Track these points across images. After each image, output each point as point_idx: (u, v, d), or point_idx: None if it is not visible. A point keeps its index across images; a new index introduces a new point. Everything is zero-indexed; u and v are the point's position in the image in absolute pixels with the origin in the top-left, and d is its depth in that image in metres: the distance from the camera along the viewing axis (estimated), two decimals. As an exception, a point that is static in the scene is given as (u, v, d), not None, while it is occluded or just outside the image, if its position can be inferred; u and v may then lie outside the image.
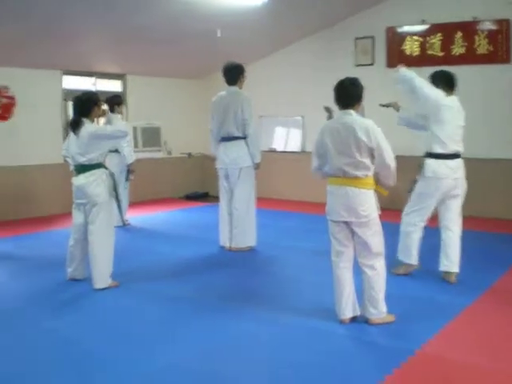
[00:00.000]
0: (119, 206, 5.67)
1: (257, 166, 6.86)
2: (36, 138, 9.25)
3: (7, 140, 8.86)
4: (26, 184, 9.25)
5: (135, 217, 8.97)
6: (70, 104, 9.06)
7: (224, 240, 6.93)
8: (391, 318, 4.41)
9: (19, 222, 8.91)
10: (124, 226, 8.14)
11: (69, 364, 3.78)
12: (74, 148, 5.36)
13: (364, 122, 4.20)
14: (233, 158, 6.78)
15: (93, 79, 10.20)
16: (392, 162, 4.23)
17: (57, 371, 3.68)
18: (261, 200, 7.57)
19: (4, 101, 8.93)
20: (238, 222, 6.82)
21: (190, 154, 11.65)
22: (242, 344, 4.10)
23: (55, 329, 4.41)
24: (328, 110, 6.20)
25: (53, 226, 8.46)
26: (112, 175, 5.52)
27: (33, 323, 4.55)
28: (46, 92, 9.45)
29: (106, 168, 5.49)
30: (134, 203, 9.57)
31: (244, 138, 6.74)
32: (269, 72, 10.77)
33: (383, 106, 5.92)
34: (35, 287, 5.50)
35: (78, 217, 5.50)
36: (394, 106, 5.86)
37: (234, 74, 6.78)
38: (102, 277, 5.34)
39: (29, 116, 9.15)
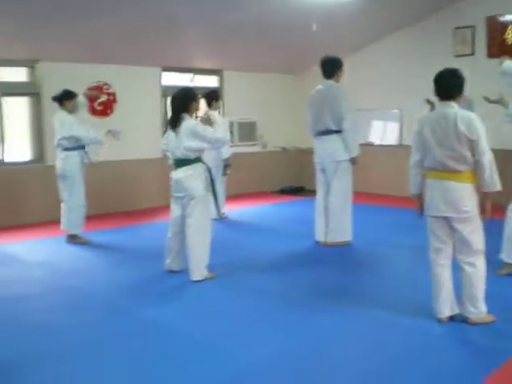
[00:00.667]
0: (216, 200, 5.76)
1: (354, 161, 6.76)
2: (136, 134, 9.52)
3: (108, 135, 9.17)
4: (127, 178, 9.57)
5: (232, 210, 9.09)
6: (169, 100, 9.29)
7: (319, 235, 6.89)
8: (491, 318, 4.25)
9: (121, 214, 9.25)
10: (220, 219, 8.25)
11: (166, 353, 3.87)
12: (174, 143, 5.49)
13: (466, 114, 4.05)
14: (329, 152, 6.72)
15: (190, 75, 10.41)
16: (487, 159, 4.03)
17: (152, 360, 3.78)
18: (357, 194, 7.47)
19: (105, 97, 9.27)
20: (334, 217, 6.76)
21: (284, 149, 11.68)
22: (336, 340, 4.07)
23: (153, 318, 4.53)
24: (430, 102, 6.03)
25: (153, 219, 8.72)
26: (209, 170, 5.62)
27: (132, 312, 4.71)
28: (145, 88, 9.74)
29: (203, 163, 5.59)
30: (231, 197, 9.68)
31: (341, 131, 6.67)
32: (365, 65, 10.61)
33: (491, 101, 5.61)
34: (135, 277, 5.69)
35: (175, 210, 5.63)
36: (502, 102, 5.58)
37: (331, 68, 6.72)
38: (199, 269, 5.45)
39: (129, 112, 9.45)
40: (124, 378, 3.53)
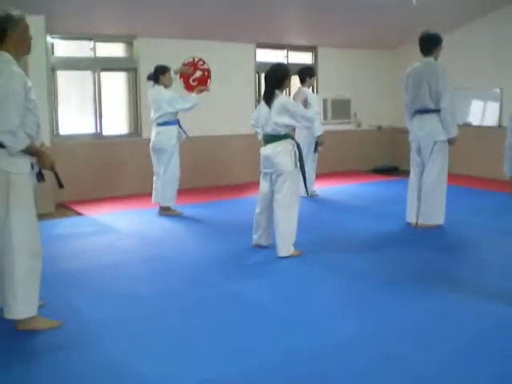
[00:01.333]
0: (304, 177, 5.73)
1: (452, 141, 6.52)
2: (229, 110, 9.61)
3: (202, 111, 9.26)
4: (220, 153, 9.69)
5: (322, 188, 9.02)
6: (263, 76, 9.31)
7: (411, 216, 6.71)
8: None
9: (212, 188, 9.39)
10: (309, 196, 8.20)
11: (248, 326, 3.91)
12: (265, 118, 5.49)
13: None
14: (427, 132, 6.50)
15: (285, 51, 10.36)
16: None
17: (233, 332, 3.82)
18: (452, 176, 7.22)
19: (200, 73, 9.38)
20: (426, 198, 6.56)
21: (379, 127, 11.47)
22: (422, 322, 3.95)
23: (237, 291, 4.58)
24: None
25: (243, 194, 8.80)
26: (298, 146, 5.58)
27: (217, 284, 4.78)
28: (239, 65, 9.78)
29: (293, 139, 5.56)
30: (322, 175, 9.62)
31: (439, 111, 6.45)
32: (465, 42, 10.16)
33: None
34: (222, 250, 5.77)
35: (264, 186, 5.64)
36: None
37: (429, 44, 6.49)
38: (286, 245, 5.44)
39: (223, 88, 9.51)
40: (202, 347, 3.59)
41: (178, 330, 3.88)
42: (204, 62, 9.43)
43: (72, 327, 3.91)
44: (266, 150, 5.51)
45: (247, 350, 3.54)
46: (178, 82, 8.36)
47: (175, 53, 8.85)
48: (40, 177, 3.95)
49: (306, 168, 7.42)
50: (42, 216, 7.14)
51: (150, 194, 7.64)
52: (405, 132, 6.86)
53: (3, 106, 3.55)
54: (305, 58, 10.70)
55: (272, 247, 5.60)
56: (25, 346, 3.65)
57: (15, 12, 3.76)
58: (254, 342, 3.65)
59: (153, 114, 7.32)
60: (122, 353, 3.55)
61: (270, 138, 5.49)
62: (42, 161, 3.84)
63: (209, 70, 9.48)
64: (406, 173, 7.01)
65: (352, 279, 4.86)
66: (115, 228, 6.83)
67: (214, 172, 9.68)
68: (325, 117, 10.55)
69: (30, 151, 3.75)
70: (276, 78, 5.49)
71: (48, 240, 6.05)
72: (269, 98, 5.47)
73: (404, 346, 3.60)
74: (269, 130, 5.47)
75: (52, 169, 3.94)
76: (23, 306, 3.73)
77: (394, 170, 11.28)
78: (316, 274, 5.04)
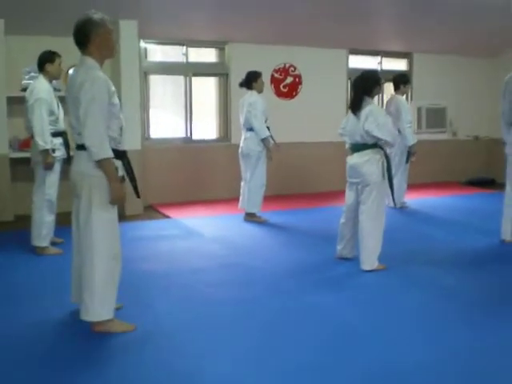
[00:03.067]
0: (391, 188, 5.54)
1: (550, 156, 6.16)
2: (319, 116, 9.48)
3: (292, 117, 9.22)
4: (308, 161, 9.59)
5: (413, 199, 8.74)
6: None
7: (505, 233, 6.35)
8: None
9: (299, 196, 9.32)
10: (398, 207, 7.95)
11: (321, 339, 3.80)
12: (353, 126, 5.36)
13: None
14: (525, 144, 6.18)
15: (378, 58, 10.15)
16: None
17: (311, 344, 3.72)
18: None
19: (291, 79, 9.33)
20: (523, 214, 6.22)
21: (476, 137, 11.04)
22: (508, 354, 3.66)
23: (316, 303, 4.46)
24: None
25: (330, 203, 8.63)
26: (387, 156, 5.39)
27: (294, 294, 4.69)
28: (331, 71, 9.67)
29: (381, 148, 5.37)
30: (414, 185, 9.33)
31: (540, 121, 6.10)
32: None
33: None
34: (305, 260, 5.67)
35: (350, 195, 5.49)
36: None
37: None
38: (370, 258, 5.26)
39: (313, 94, 9.42)
40: (275, 358, 3.51)
41: (251, 338, 3.82)
42: (295, 68, 9.37)
43: (148, 329, 3.92)
44: (353, 159, 5.37)
45: (319, 365, 3.43)
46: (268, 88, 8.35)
47: (266, 58, 8.85)
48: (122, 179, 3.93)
49: (397, 178, 7.27)
50: (130, 217, 7.37)
51: (237, 200, 7.65)
52: (503, 143, 6.52)
53: (89, 111, 3.58)
54: (399, 65, 10.45)
55: (356, 259, 5.43)
56: (99, 347, 3.68)
57: (97, 15, 3.76)
58: (327, 358, 3.53)
59: (242, 120, 7.33)
60: (195, 356, 3.53)
61: (358, 147, 5.34)
62: (111, 190, 3.70)
63: (300, 76, 9.41)
64: (503, 186, 6.65)
65: (435, 297, 4.61)
66: (200, 232, 6.88)
67: (301, 179, 9.59)
68: (419, 125, 10.28)
69: (106, 171, 3.68)
70: (365, 85, 5.35)
71: (134, 241, 6.18)
72: (356, 106, 5.33)
73: (484, 376, 3.34)
74: (357, 138, 5.32)
75: (119, 204, 3.81)
76: (100, 309, 3.76)
77: (490, 182, 10.78)
78: (398, 290, 4.83)
